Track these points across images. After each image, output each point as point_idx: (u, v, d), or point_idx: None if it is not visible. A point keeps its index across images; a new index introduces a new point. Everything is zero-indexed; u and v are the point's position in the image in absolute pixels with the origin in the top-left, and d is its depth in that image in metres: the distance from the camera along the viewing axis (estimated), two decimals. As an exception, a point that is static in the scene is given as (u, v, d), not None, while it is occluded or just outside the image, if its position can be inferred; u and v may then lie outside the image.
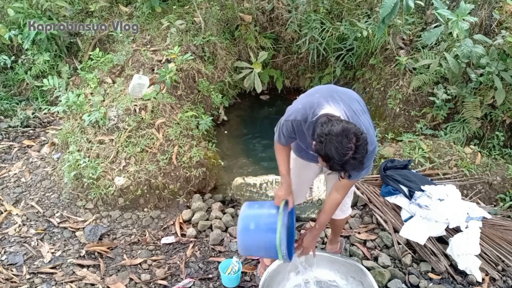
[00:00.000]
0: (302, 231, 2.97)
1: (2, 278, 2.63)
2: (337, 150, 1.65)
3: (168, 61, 4.04)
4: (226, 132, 4.49)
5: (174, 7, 4.51)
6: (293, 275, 2.62)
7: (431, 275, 2.76)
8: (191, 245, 3.00)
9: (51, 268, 2.76)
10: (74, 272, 2.75)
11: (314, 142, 1.75)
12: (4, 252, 2.87)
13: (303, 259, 2.58)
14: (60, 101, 3.74)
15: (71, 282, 2.66)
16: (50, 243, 2.97)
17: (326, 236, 3.06)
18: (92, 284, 2.66)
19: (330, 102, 1.89)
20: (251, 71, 4.64)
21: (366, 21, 4.30)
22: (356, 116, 1.92)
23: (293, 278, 2.62)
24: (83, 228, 3.09)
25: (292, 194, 2.22)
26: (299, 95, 2.09)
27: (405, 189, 3.04)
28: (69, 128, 3.66)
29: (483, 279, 2.71)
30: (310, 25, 4.48)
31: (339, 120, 1.72)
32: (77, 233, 3.05)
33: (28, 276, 2.70)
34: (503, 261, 2.82)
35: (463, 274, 2.76)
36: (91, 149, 3.41)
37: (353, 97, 2.04)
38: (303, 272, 2.62)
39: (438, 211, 2.84)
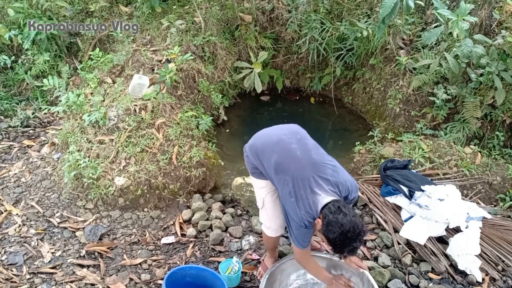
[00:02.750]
0: None
1: (2, 278, 2.63)
2: (344, 240, 1.96)
3: (168, 61, 4.04)
4: (226, 132, 4.49)
5: (174, 7, 4.51)
6: (294, 277, 2.63)
7: (431, 275, 2.76)
8: (191, 245, 3.00)
9: (51, 268, 2.77)
10: (74, 272, 2.75)
11: (320, 221, 2.04)
12: (4, 252, 2.87)
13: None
14: (60, 101, 3.74)
15: (71, 282, 2.66)
16: (50, 243, 2.97)
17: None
18: (92, 284, 2.66)
19: (317, 191, 2.11)
20: (251, 71, 4.64)
21: (366, 21, 4.30)
22: (338, 184, 2.15)
23: (293, 279, 2.62)
24: (83, 228, 3.09)
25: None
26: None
27: (405, 189, 3.04)
28: (69, 128, 3.66)
29: (483, 279, 2.71)
30: (310, 25, 4.48)
31: (347, 210, 1.99)
32: (77, 233, 3.05)
33: (28, 276, 2.70)
34: (503, 261, 2.82)
35: (463, 274, 2.77)
36: (91, 149, 3.41)
37: (320, 163, 2.20)
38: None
39: (438, 211, 2.84)
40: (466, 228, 2.84)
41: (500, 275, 2.77)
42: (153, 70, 4.01)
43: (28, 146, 3.96)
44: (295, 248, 2.32)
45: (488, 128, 3.87)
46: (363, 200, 3.23)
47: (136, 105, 3.61)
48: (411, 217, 2.97)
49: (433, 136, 3.84)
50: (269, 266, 2.66)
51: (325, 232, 2.01)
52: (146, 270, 2.81)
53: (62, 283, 2.66)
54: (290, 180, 2.15)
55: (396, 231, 2.98)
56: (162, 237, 3.08)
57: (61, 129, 3.87)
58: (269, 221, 2.49)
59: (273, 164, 2.23)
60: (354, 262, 2.52)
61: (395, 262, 2.85)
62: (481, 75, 3.71)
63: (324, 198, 2.09)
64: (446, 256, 2.84)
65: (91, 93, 3.87)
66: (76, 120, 3.70)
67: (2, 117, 4.26)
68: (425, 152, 3.45)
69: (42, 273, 2.74)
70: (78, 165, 3.28)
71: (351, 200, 2.25)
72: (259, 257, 2.88)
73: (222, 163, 3.78)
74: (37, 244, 2.95)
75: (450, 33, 3.68)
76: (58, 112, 4.10)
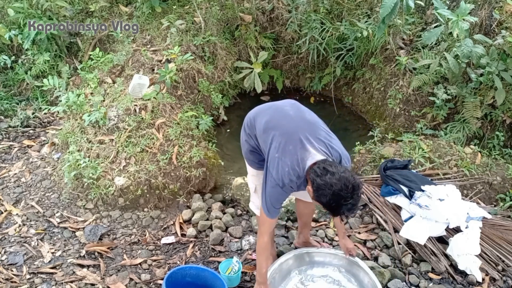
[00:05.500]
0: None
1: (2, 278, 2.63)
2: (338, 200, 1.83)
3: (168, 61, 4.04)
4: (226, 132, 4.49)
5: (174, 7, 4.51)
6: (294, 273, 2.63)
7: (431, 275, 2.76)
8: (191, 245, 3.00)
9: (51, 268, 2.77)
10: (74, 272, 2.75)
11: (310, 189, 1.92)
12: (4, 252, 2.87)
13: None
14: (60, 101, 3.74)
15: (71, 282, 2.67)
16: (50, 243, 2.97)
17: (326, 236, 3.07)
18: (92, 284, 2.66)
19: (308, 147, 2.01)
20: (251, 71, 4.64)
21: (366, 21, 4.30)
22: (330, 147, 2.07)
23: (294, 276, 2.62)
24: (83, 228, 3.09)
25: None
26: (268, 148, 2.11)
27: (405, 189, 3.04)
28: (69, 128, 3.66)
29: (483, 279, 2.71)
30: (310, 25, 4.48)
31: (334, 168, 1.86)
32: (77, 233, 3.05)
33: (28, 276, 2.70)
34: (503, 261, 2.82)
35: (463, 274, 2.77)
36: (91, 149, 3.41)
37: (313, 122, 2.15)
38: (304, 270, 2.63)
39: (438, 211, 2.84)
40: (466, 228, 2.84)
41: (500, 275, 2.77)
42: (153, 70, 4.01)
43: (28, 146, 3.96)
44: (261, 213, 2.17)
45: (488, 128, 3.86)
46: (363, 200, 3.23)
47: (136, 105, 3.61)
48: (411, 217, 2.97)
49: (433, 136, 3.83)
50: (268, 266, 2.66)
51: (317, 198, 1.88)
52: (146, 270, 2.81)
53: (62, 283, 2.66)
54: (278, 135, 2.06)
55: (396, 231, 2.98)
56: (162, 237, 3.08)
57: (61, 129, 3.87)
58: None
59: (263, 124, 2.16)
60: (348, 247, 2.54)
61: (395, 262, 2.85)
62: (481, 75, 3.71)
63: (315, 155, 1.97)
64: (446, 256, 2.84)
65: (91, 93, 3.87)
66: (76, 120, 3.70)
67: (2, 117, 4.26)
68: (425, 152, 3.45)
69: (42, 273, 2.74)
70: (78, 165, 3.28)
71: None
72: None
73: (222, 163, 3.78)
74: (37, 244, 2.95)
75: (450, 33, 3.68)
76: (58, 112, 4.10)
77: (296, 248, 2.87)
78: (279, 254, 2.78)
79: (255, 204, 2.54)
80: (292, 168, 1.99)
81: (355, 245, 2.94)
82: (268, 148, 2.11)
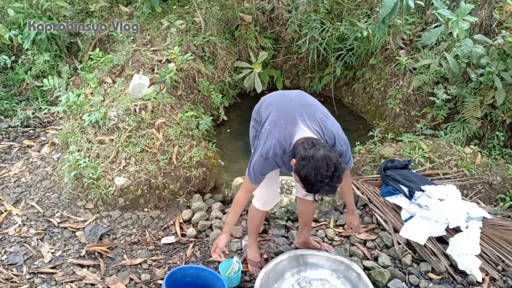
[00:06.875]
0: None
1: (2, 278, 2.63)
2: (316, 175, 1.81)
3: (168, 61, 4.04)
4: (226, 132, 4.49)
5: (174, 7, 4.51)
6: (289, 275, 2.63)
7: (431, 275, 2.76)
8: (191, 245, 3.00)
9: (51, 268, 2.77)
10: (74, 272, 2.75)
11: (294, 161, 1.91)
12: (4, 252, 2.87)
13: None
14: (60, 101, 3.74)
15: (71, 282, 2.67)
16: (50, 243, 2.97)
17: (326, 236, 3.07)
18: (92, 284, 2.66)
19: (300, 124, 2.02)
20: (251, 71, 4.64)
21: (366, 21, 4.30)
22: (324, 127, 2.07)
23: (289, 278, 2.62)
24: (83, 228, 3.09)
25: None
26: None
27: (405, 189, 3.04)
28: (69, 128, 3.66)
29: (483, 279, 2.71)
30: (310, 25, 4.48)
31: (322, 146, 1.86)
32: (77, 233, 3.05)
33: (28, 276, 2.70)
34: (503, 261, 2.82)
35: (463, 274, 2.77)
36: (91, 149, 3.41)
37: (312, 104, 2.17)
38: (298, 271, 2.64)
39: (438, 211, 2.84)
40: (466, 228, 2.84)
41: (500, 275, 2.77)
42: (153, 70, 4.01)
43: (28, 146, 3.96)
44: (246, 174, 2.25)
45: (488, 128, 3.87)
46: (363, 200, 3.23)
47: (136, 105, 3.61)
48: (411, 217, 2.97)
49: (433, 136, 3.84)
50: (252, 258, 2.71)
51: (297, 170, 1.87)
52: (146, 270, 2.81)
53: (62, 283, 2.66)
54: (275, 110, 2.13)
55: (396, 231, 2.98)
56: (162, 237, 3.08)
57: (61, 129, 3.87)
58: (260, 193, 2.49)
59: (266, 105, 2.24)
60: (353, 224, 2.59)
61: (395, 262, 2.85)
62: (481, 75, 3.71)
63: (304, 131, 1.98)
64: (446, 256, 2.84)
65: (91, 93, 3.88)
66: (76, 120, 3.70)
67: (2, 117, 4.26)
68: (425, 152, 3.45)
69: (42, 273, 2.74)
70: (78, 165, 3.28)
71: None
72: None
73: (222, 163, 3.78)
74: (37, 244, 2.95)
75: (450, 33, 3.69)
76: (58, 112, 4.10)
77: (296, 248, 2.87)
78: (279, 254, 2.78)
79: (256, 197, 2.56)
80: (278, 141, 2.02)
81: (355, 245, 2.95)
82: (263, 122, 2.18)
